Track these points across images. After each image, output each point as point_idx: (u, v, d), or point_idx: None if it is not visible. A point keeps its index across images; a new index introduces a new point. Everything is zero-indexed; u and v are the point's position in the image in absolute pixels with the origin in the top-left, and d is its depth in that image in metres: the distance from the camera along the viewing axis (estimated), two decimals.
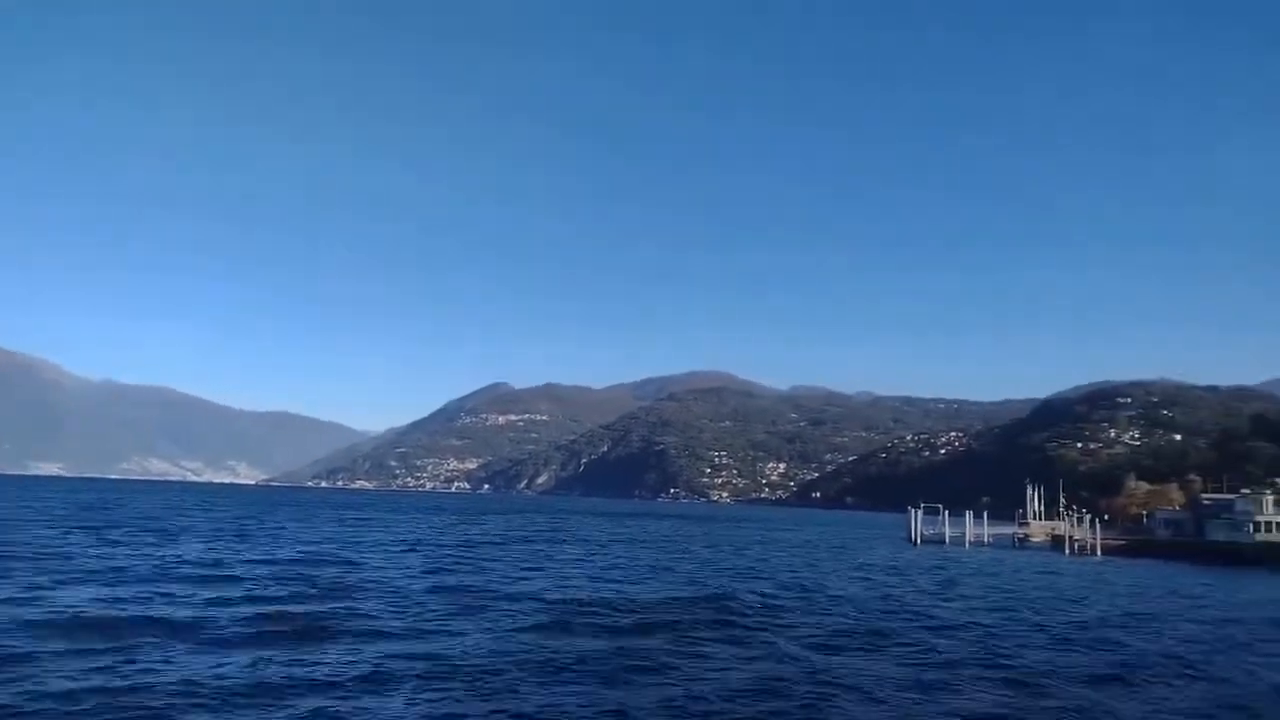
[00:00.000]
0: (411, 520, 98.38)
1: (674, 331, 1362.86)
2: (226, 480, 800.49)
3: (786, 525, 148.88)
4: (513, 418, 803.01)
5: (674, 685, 17.43)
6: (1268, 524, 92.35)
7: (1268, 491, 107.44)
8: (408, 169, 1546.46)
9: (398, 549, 51.93)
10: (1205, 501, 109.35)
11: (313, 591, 29.21)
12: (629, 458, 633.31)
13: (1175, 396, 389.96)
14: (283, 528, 70.53)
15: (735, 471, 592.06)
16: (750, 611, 29.18)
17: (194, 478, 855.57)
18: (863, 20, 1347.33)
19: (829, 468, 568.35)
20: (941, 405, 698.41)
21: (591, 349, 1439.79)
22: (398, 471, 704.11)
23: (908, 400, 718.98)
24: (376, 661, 18.14)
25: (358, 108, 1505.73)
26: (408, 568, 39.75)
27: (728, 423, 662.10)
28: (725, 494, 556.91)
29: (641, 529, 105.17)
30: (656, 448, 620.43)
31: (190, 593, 27.31)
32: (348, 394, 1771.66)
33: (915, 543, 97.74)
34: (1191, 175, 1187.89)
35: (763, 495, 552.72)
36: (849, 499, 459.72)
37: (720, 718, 15.25)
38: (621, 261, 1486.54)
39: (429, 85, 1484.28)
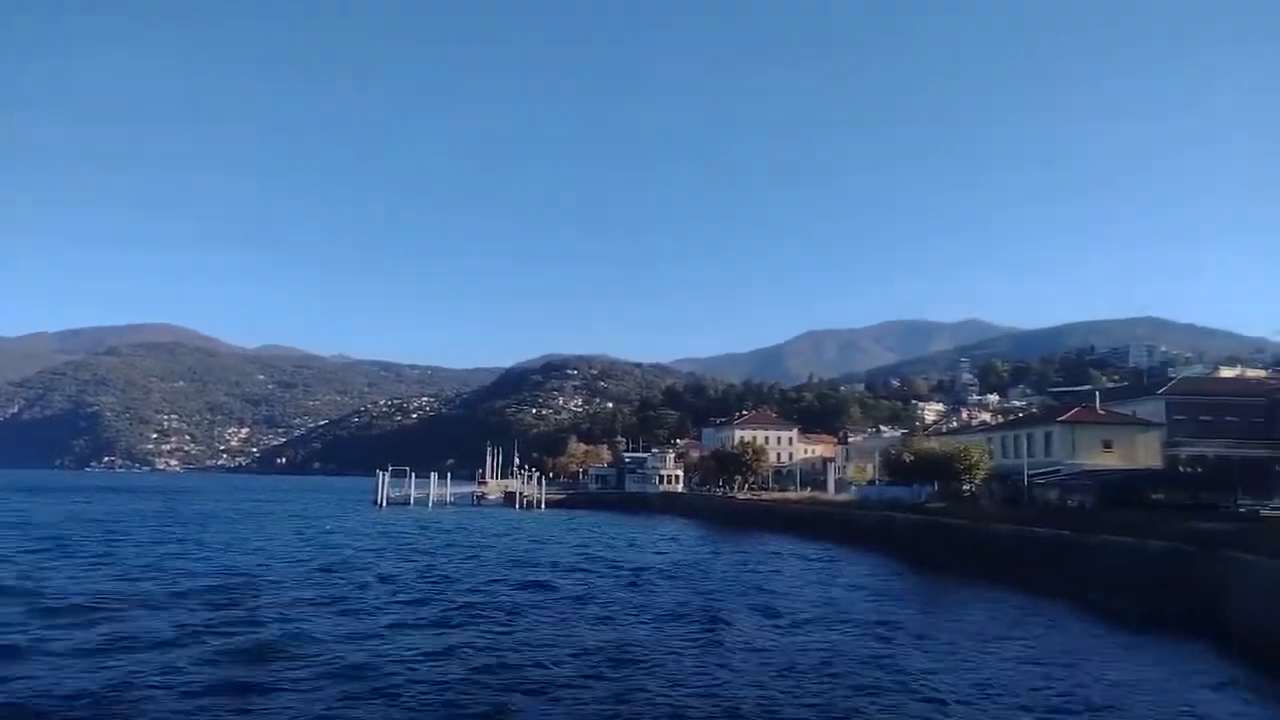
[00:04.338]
0: None
1: (117, 274, 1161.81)
2: None
3: (257, 495, 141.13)
4: None
5: None
6: (667, 476, 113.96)
7: (670, 450, 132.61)
8: None
9: None
10: (626, 459, 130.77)
11: None
12: (49, 420, 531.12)
13: (610, 370, 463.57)
14: None
15: (189, 437, 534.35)
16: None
17: None
18: None
19: (298, 432, 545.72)
20: (416, 371, 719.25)
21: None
22: None
23: (384, 365, 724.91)
24: None
25: None
26: None
27: (181, 383, 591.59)
28: (174, 462, 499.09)
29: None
30: (89, 409, 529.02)
31: None
32: None
33: (381, 505, 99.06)
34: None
35: (220, 463, 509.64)
36: (317, 464, 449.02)
37: None
38: (46, 184, 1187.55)
39: None
